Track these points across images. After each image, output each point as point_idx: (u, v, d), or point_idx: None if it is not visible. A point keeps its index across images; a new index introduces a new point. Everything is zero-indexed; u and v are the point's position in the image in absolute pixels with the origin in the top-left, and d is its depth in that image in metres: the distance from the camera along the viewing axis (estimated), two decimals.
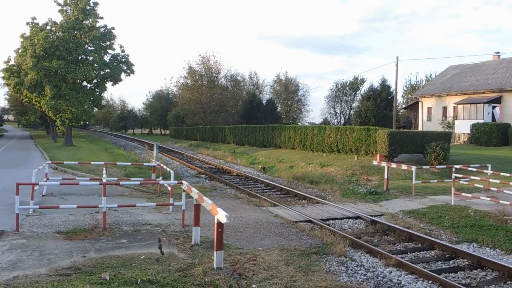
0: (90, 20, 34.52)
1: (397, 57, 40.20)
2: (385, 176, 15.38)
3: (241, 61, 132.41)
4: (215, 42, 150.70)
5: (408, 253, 8.75)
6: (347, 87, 59.86)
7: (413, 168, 14.34)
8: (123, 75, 36.84)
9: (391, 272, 7.43)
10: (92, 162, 17.03)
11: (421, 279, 7.16)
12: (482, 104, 33.07)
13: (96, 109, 45.18)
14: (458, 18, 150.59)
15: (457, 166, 14.65)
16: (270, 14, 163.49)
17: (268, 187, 16.95)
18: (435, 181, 15.45)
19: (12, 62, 38.17)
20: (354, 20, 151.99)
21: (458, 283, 7.04)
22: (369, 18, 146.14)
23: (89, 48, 34.70)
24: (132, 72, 37.24)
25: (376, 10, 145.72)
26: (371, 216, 11.38)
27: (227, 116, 53.64)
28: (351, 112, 58.58)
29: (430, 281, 7.03)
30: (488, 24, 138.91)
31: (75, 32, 34.05)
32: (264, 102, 55.48)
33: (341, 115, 61.22)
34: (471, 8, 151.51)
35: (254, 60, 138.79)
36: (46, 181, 12.66)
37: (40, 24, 34.48)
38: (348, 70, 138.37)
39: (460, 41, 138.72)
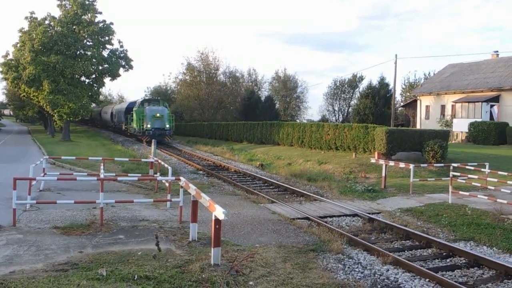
0: (89, 15, 34.42)
1: (396, 55, 40.31)
2: (383, 174, 15.39)
3: (241, 57, 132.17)
4: (215, 38, 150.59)
5: (405, 251, 8.77)
6: (346, 85, 59.84)
7: (411, 166, 14.35)
8: (121, 70, 36.84)
9: (388, 270, 7.44)
10: (89, 158, 17.00)
11: (418, 277, 7.18)
12: (480, 103, 33.12)
13: (94, 104, 45.04)
14: (459, 17, 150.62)
15: (455, 165, 14.67)
16: (271, 11, 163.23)
17: (266, 184, 16.95)
18: (433, 179, 15.48)
19: (10, 57, 38.00)
20: (354, 18, 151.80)
21: (455, 281, 7.06)
22: (369, 16, 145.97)
23: (87, 43, 34.63)
24: (131, 67, 37.20)
25: (376, 8, 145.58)
26: (369, 213, 11.39)
27: (225, 112, 53.55)
28: (350, 109, 58.58)
29: (427, 279, 7.05)
30: (488, 22, 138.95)
31: (74, 27, 33.95)
32: (262, 99, 55.41)
33: (340, 112, 61.24)
34: (472, 6, 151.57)
35: (253, 57, 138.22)
36: (43, 176, 12.64)
37: (39, 19, 34.35)
38: (348, 67, 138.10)
39: (460, 40, 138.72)
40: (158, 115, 35.42)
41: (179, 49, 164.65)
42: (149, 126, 34.96)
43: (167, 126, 35.89)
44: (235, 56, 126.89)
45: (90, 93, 35.53)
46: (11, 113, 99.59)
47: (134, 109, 38.63)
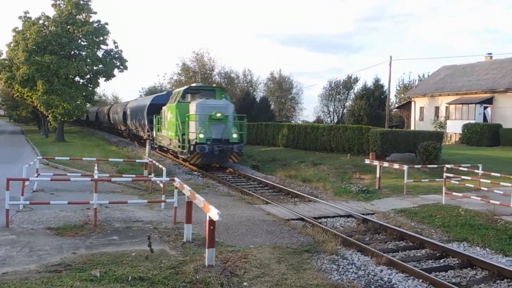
0: (84, 15, 34.25)
1: (390, 57, 40.52)
2: (377, 175, 15.45)
3: (238, 58, 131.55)
4: (212, 39, 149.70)
5: (399, 252, 8.81)
6: (341, 86, 60.02)
7: (405, 167, 14.41)
8: (116, 71, 36.59)
9: (382, 271, 7.47)
10: (84, 158, 16.93)
11: (412, 277, 7.22)
12: (474, 105, 33.34)
13: (88, 105, 44.78)
14: (454, 19, 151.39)
15: (448, 166, 14.77)
16: (268, 11, 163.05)
17: (260, 185, 16.95)
18: (427, 180, 15.54)
19: (3, 56, 37.78)
20: (350, 20, 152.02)
21: (448, 281, 7.09)
22: (366, 17, 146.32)
23: (82, 43, 34.44)
24: (125, 68, 37.02)
25: (372, 9, 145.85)
26: (363, 214, 11.43)
27: None
28: (344, 110, 58.72)
29: (420, 280, 7.09)
30: (484, 25, 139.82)
31: (68, 26, 33.78)
32: (257, 99, 55.44)
33: (334, 113, 61.38)
34: (468, 9, 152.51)
35: (251, 58, 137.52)
36: (37, 176, 12.58)
37: (33, 18, 34.15)
38: (344, 68, 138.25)
39: (455, 42, 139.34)
40: (218, 115, 19.44)
41: (175, 49, 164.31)
42: (201, 136, 19.09)
43: (235, 135, 19.95)
44: (232, 57, 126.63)
45: (84, 94, 35.33)
46: (5, 113, 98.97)
47: (168, 105, 23.22)
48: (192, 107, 20.02)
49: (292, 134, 27.88)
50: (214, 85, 25.28)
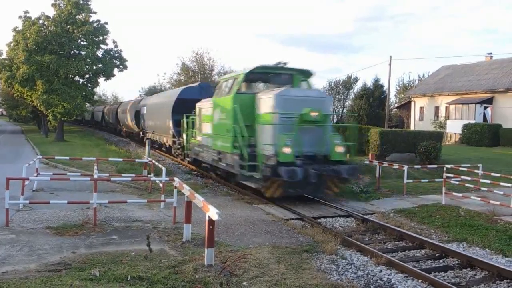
0: (83, 14, 34.27)
1: (390, 57, 40.54)
2: (377, 175, 15.46)
3: (237, 58, 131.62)
4: (211, 39, 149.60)
5: (399, 252, 8.80)
6: (340, 86, 60.02)
7: (405, 167, 14.41)
8: (115, 71, 36.61)
9: (381, 271, 7.46)
10: (83, 158, 16.93)
11: (411, 278, 7.21)
12: (474, 105, 33.35)
13: (88, 104, 44.77)
14: (454, 19, 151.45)
15: (448, 166, 14.77)
16: (268, 11, 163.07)
17: None
18: (426, 180, 15.54)
19: (4, 56, 37.81)
20: (350, 20, 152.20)
21: (448, 282, 7.09)
22: (365, 17, 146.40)
23: (81, 42, 34.45)
24: (125, 67, 37.02)
25: (371, 9, 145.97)
26: (362, 214, 11.42)
27: None
28: (344, 110, 58.75)
29: (420, 280, 7.08)
30: (484, 25, 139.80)
31: (68, 26, 33.79)
32: None
33: (334, 113, 61.36)
34: (467, 9, 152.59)
35: (250, 58, 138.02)
36: (36, 176, 12.58)
37: (33, 18, 34.18)
38: (345, 68, 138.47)
39: (457, 41, 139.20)
40: (314, 114, 11.43)
41: (175, 49, 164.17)
42: (287, 150, 10.95)
43: (340, 149, 11.95)
44: (232, 57, 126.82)
45: (84, 93, 35.33)
46: (4, 113, 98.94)
47: (214, 99, 15.04)
48: (268, 101, 12.09)
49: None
50: (293, 68, 14.70)
